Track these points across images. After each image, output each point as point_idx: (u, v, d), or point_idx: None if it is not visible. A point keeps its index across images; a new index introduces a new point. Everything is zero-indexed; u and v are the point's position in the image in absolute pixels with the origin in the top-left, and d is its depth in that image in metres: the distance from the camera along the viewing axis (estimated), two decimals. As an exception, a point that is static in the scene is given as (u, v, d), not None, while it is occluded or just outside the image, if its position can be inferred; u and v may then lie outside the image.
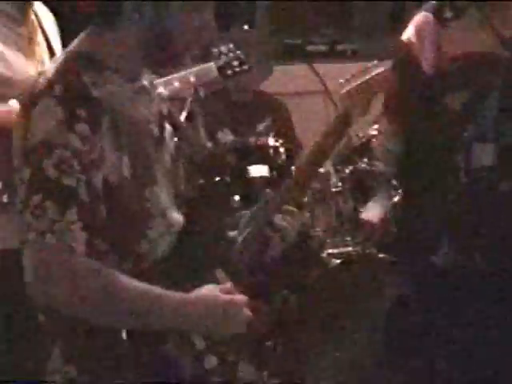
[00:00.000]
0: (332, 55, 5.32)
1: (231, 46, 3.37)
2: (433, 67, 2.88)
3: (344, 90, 2.31)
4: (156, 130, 2.06)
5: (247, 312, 1.97)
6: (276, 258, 2.30)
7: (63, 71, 1.90)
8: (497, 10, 2.89)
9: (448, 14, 2.90)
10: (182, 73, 3.21)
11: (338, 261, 3.84)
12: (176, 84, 3.19)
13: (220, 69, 3.32)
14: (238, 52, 3.38)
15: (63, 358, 1.95)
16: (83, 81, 1.86)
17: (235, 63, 3.36)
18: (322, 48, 5.46)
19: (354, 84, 2.31)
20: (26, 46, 2.96)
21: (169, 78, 3.10)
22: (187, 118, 3.57)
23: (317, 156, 2.31)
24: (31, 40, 3.00)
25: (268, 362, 3.40)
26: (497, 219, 2.85)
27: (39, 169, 1.82)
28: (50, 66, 2.01)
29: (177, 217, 2.09)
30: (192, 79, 3.27)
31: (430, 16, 2.90)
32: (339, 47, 5.56)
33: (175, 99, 3.22)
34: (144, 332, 1.91)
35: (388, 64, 2.55)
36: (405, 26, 2.99)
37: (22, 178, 1.85)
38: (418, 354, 3.35)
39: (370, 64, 2.42)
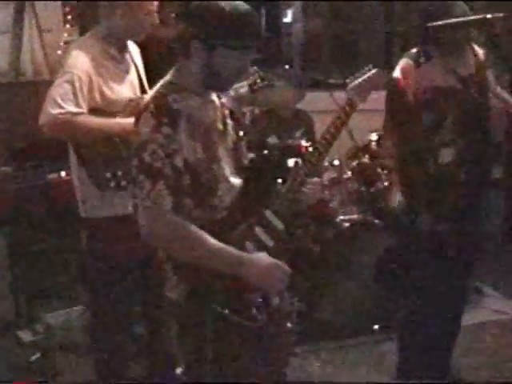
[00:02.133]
0: (344, 86, 6.16)
1: (255, 68, 3.83)
2: (412, 95, 3.39)
3: (351, 85, 2.79)
4: (221, 126, 2.65)
5: (287, 277, 2.51)
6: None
7: (156, 95, 2.51)
8: (454, 54, 3.45)
9: (422, 59, 3.44)
10: None
11: (347, 224, 4.52)
12: None
13: (249, 85, 3.82)
14: (261, 73, 3.85)
15: (177, 278, 2.51)
16: (167, 100, 2.46)
17: (258, 81, 3.83)
18: (338, 81, 5.99)
19: (356, 81, 2.78)
20: (123, 76, 3.51)
21: None
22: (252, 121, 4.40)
23: (331, 133, 2.72)
24: (127, 72, 3.54)
25: (297, 292, 3.86)
26: (456, 195, 3.48)
27: (140, 158, 2.40)
28: (151, 91, 2.59)
29: (237, 180, 2.65)
30: (232, 93, 3.51)
31: (410, 61, 3.45)
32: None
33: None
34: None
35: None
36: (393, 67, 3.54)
37: (132, 165, 2.44)
38: (397, 289, 4.16)
39: (366, 68, 2.85)
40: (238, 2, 2.48)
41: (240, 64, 2.51)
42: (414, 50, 3.50)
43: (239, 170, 2.70)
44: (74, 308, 4.64)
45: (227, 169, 2.61)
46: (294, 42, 7.10)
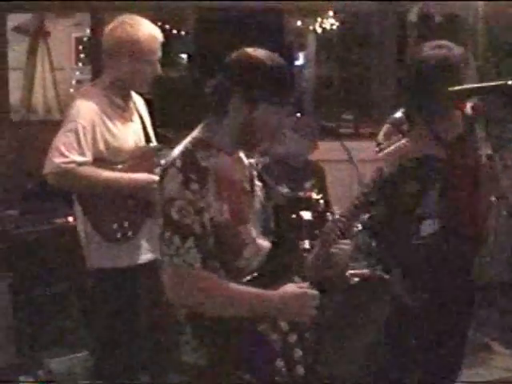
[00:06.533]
0: (356, 135, 6.12)
1: None
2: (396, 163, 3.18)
3: (381, 154, 2.90)
4: (248, 187, 2.63)
5: (316, 301, 2.49)
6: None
7: (183, 151, 2.46)
8: (440, 119, 3.28)
9: (405, 127, 3.28)
10: None
11: (357, 279, 4.39)
12: None
13: None
14: None
15: (197, 342, 2.45)
16: (196, 156, 2.42)
17: None
18: (349, 130, 6.29)
19: (386, 150, 2.85)
20: (127, 125, 3.56)
21: None
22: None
23: (361, 202, 2.81)
24: (131, 120, 3.58)
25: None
26: (437, 267, 3.39)
27: (168, 215, 2.36)
28: (177, 148, 2.52)
29: (265, 243, 2.62)
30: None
31: (393, 128, 3.30)
32: (361, 130, 6.31)
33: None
34: (245, 319, 2.40)
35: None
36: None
37: (159, 223, 2.42)
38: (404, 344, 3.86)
39: (396, 137, 2.95)
40: (273, 55, 2.46)
41: (278, 121, 2.49)
42: (398, 115, 3.36)
43: (267, 234, 2.66)
44: (78, 354, 4.59)
45: (254, 231, 2.58)
46: (305, 86, 7.14)
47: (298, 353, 2.51)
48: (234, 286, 2.40)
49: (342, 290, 4.24)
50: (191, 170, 2.38)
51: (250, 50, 2.47)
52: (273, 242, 2.64)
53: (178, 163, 2.39)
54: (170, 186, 2.38)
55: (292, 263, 2.62)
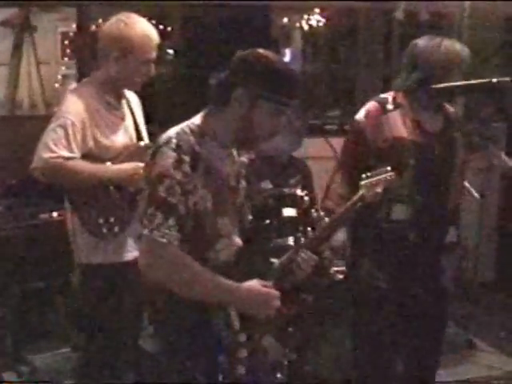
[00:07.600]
0: (341, 132, 5.92)
1: None
2: (373, 141, 3.25)
3: (365, 182, 2.92)
4: (234, 182, 2.68)
5: (277, 302, 2.56)
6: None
7: (179, 133, 2.49)
8: (423, 108, 3.29)
9: (389, 107, 3.28)
10: None
11: (341, 276, 4.31)
12: None
13: None
14: None
15: (152, 328, 2.63)
16: (190, 140, 2.47)
17: None
18: (334, 127, 6.24)
19: (371, 179, 2.91)
20: (119, 123, 3.53)
21: None
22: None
23: (337, 222, 2.89)
24: (123, 119, 3.58)
25: (289, 342, 3.63)
26: (404, 257, 3.36)
27: (154, 190, 2.39)
28: (172, 129, 2.54)
29: (238, 240, 2.68)
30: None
31: (378, 105, 3.29)
32: (346, 127, 5.77)
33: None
34: (205, 304, 2.46)
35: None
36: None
37: (143, 197, 2.45)
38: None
39: (383, 169, 2.97)
40: (282, 59, 2.58)
41: (276, 121, 2.51)
42: (384, 96, 3.36)
43: (241, 232, 2.73)
44: (62, 350, 4.60)
45: (231, 226, 2.63)
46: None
47: (243, 353, 2.54)
48: (205, 270, 2.44)
49: (327, 286, 4.37)
50: (185, 152, 2.41)
51: (260, 50, 2.51)
52: (245, 241, 2.70)
53: (173, 143, 2.43)
54: (161, 163, 2.40)
55: (259, 264, 2.70)
